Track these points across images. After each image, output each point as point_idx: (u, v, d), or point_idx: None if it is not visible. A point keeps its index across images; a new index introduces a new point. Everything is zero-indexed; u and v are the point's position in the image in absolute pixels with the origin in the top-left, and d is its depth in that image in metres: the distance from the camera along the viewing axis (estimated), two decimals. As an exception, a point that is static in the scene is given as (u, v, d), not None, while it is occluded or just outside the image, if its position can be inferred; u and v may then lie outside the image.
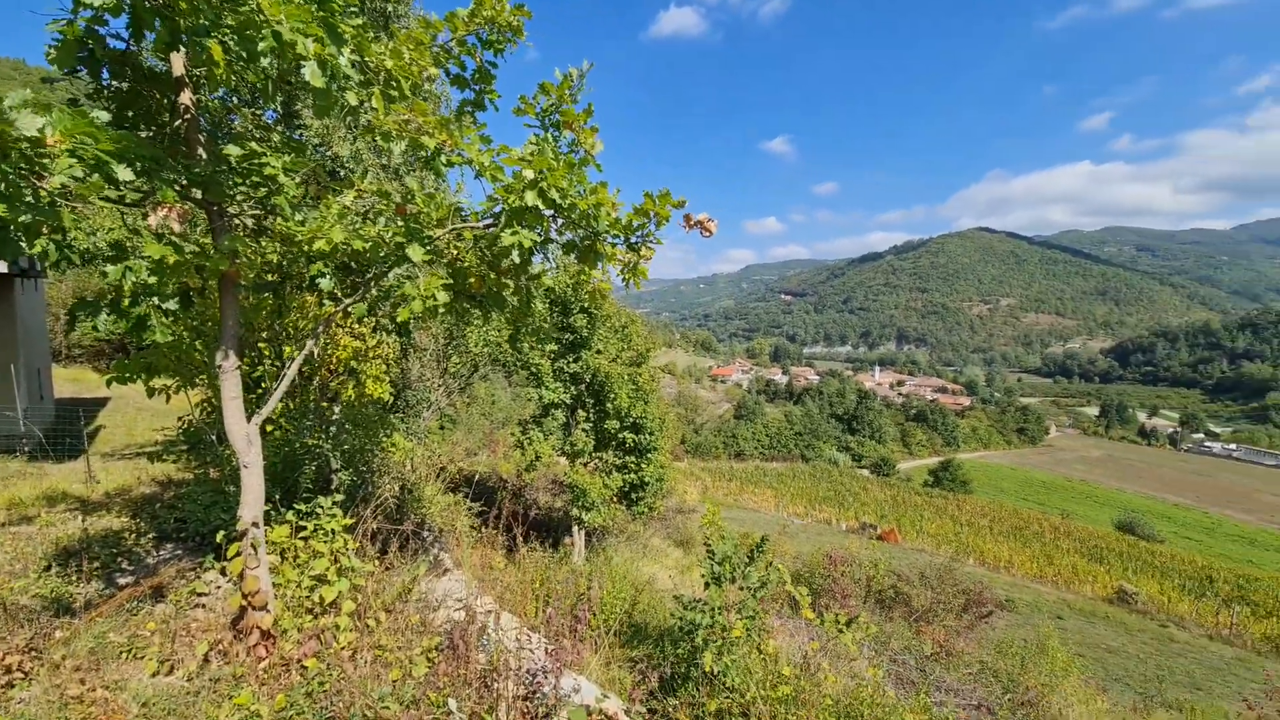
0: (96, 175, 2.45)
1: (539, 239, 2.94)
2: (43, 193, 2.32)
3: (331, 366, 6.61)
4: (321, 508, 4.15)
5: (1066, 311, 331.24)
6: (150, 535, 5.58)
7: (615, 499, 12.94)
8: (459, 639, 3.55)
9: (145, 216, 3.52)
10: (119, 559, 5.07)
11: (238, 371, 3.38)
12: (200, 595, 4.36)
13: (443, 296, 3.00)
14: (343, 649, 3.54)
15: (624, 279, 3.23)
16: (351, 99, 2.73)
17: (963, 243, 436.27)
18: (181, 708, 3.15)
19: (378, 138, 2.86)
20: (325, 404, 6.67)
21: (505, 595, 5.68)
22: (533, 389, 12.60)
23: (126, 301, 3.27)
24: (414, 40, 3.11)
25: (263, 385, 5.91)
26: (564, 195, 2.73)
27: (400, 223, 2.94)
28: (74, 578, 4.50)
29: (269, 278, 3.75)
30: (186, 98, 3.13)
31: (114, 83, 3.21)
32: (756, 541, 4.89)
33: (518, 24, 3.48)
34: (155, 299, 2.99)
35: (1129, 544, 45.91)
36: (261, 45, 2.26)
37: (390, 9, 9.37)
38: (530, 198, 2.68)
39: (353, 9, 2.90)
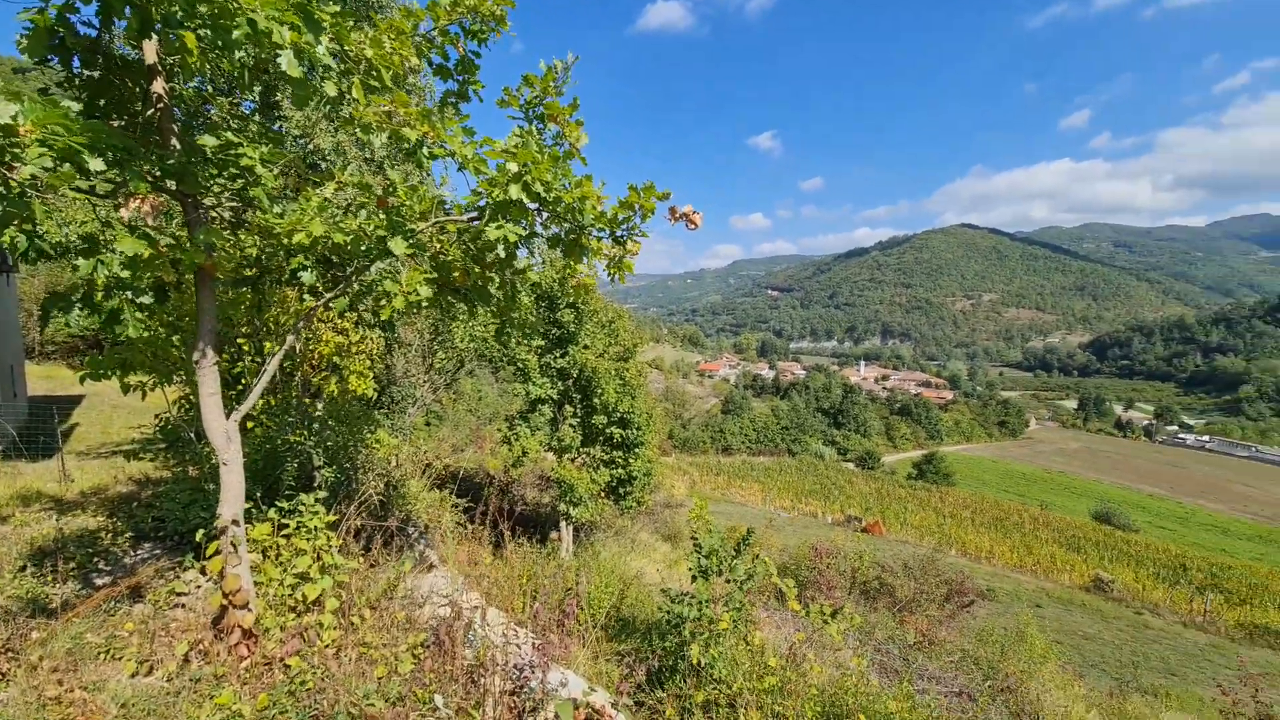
0: (67, 165, 2.39)
1: (524, 233, 2.91)
2: (13, 183, 2.25)
3: (314, 362, 6.51)
4: (304, 505, 4.10)
5: (1046, 306, 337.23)
6: (127, 535, 5.47)
7: (603, 494, 12.95)
8: (445, 635, 3.53)
9: (118, 208, 3.43)
10: (95, 559, 4.98)
11: (215, 367, 3.31)
12: (180, 595, 4.28)
13: (425, 291, 2.96)
14: (326, 647, 3.51)
15: (610, 273, 3.22)
16: (330, 89, 2.67)
17: (946, 238, 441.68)
18: (161, 708, 3.10)
19: (358, 130, 2.81)
20: (308, 400, 6.58)
21: (492, 591, 5.67)
22: (520, 384, 12.54)
23: (99, 295, 3.19)
24: (395, 29, 3.05)
25: (243, 381, 5.81)
26: (548, 189, 2.70)
27: (382, 216, 2.89)
28: (50, 578, 4.40)
29: (247, 272, 3.68)
30: (159, 86, 3.05)
31: (85, 71, 3.12)
32: (743, 535, 4.93)
33: (501, 13, 3.43)
34: (129, 293, 2.92)
35: (1105, 534, 47.02)
36: (236, 34, 2.20)
37: (371, -3, 9.21)
38: (514, 191, 2.64)
39: (331, -4, 2.84)
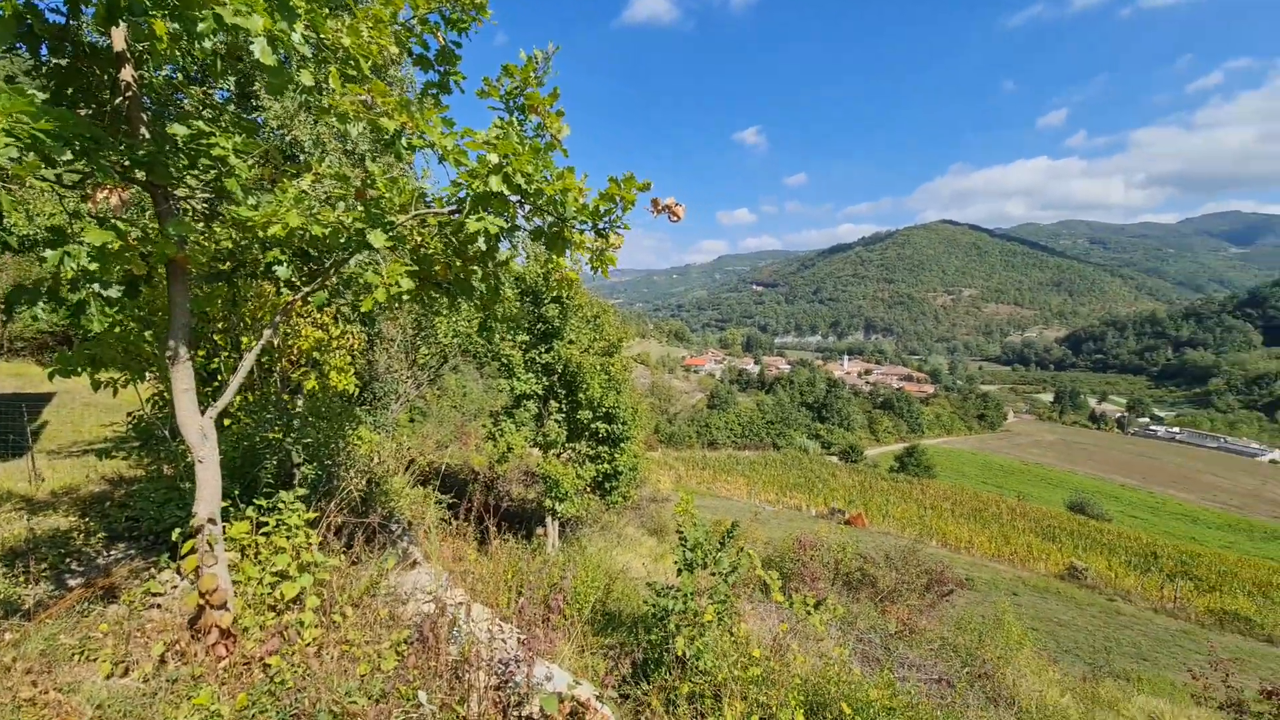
0: (33, 155, 2.33)
1: (505, 225, 2.88)
2: (-23, 174, 2.18)
3: (293, 358, 6.40)
4: (283, 502, 4.04)
5: (1024, 302, 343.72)
6: (100, 535, 5.35)
7: (589, 489, 12.95)
8: (429, 631, 3.51)
9: (85, 199, 3.33)
10: (68, 560, 4.87)
11: (190, 363, 3.24)
12: (155, 595, 4.20)
13: (407, 283, 2.92)
14: (307, 645, 3.47)
15: (592, 266, 3.20)
16: (306, 78, 2.61)
17: (928, 234, 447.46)
18: (138, 709, 3.05)
19: (334, 119, 2.75)
20: (287, 396, 6.47)
21: (477, 587, 5.65)
22: (504, 380, 12.47)
23: (65, 289, 3.10)
24: (373, 17, 2.99)
25: (219, 377, 5.70)
26: (530, 180, 2.67)
27: (360, 208, 2.84)
28: (21, 579, 4.30)
29: (222, 265, 3.60)
30: (128, 74, 2.96)
31: (53, 59, 3.03)
32: (728, 528, 4.96)
33: (481, 1, 3.38)
34: (95, 285, 2.85)
35: (1080, 523, 48.22)
36: (201, 26, 2.14)
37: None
38: (495, 182, 2.61)
39: (307, -18, 2.78)
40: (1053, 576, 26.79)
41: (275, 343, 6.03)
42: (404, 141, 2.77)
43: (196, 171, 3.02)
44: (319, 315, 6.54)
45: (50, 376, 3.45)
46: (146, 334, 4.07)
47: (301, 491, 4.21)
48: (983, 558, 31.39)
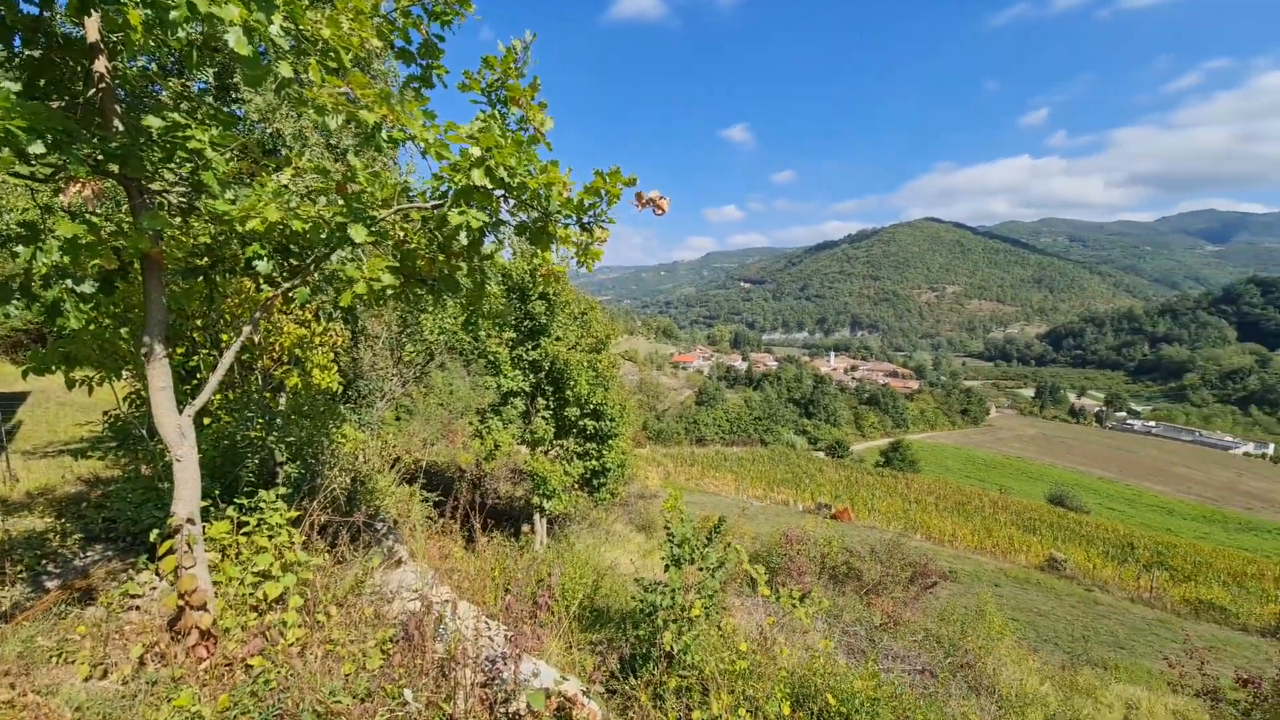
0: (6, 150, 2.28)
1: (489, 219, 2.86)
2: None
3: (274, 355, 6.31)
4: (265, 501, 3.98)
5: (1006, 298, 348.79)
6: (77, 536, 5.25)
7: (577, 486, 12.93)
8: (415, 629, 3.49)
9: (58, 194, 3.25)
10: (44, 561, 4.78)
11: (166, 360, 3.18)
12: (133, 597, 4.13)
13: (388, 279, 2.89)
14: (290, 645, 3.43)
15: (579, 260, 3.19)
16: (285, 70, 2.57)
17: (913, 232, 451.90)
18: (118, 712, 3.01)
19: (311, 111, 2.71)
20: (268, 394, 6.38)
21: (464, 585, 5.62)
22: (491, 377, 12.39)
23: (38, 285, 3.03)
24: (354, 9, 2.95)
25: (199, 375, 5.60)
26: (513, 174, 2.65)
27: (341, 202, 2.80)
28: (-3, 580, 4.21)
29: (199, 261, 3.53)
30: (101, 65, 2.89)
31: (25, 51, 2.96)
32: (715, 524, 4.99)
33: (464, -6, 3.35)
34: (69, 281, 2.78)
35: (1059, 515, 49.17)
36: (174, 14, 2.09)
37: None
38: (477, 176, 2.59)
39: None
40: (1033, 568, 27.26)
41: (256, 340, 5.94)
42: (384, 135, 2.74)
43: (172, 165, 2.96)
44: (300, 312, 6.45)
45: (24, 375, 3.37)
46: (122, 331, 3.99)
47: (284, 490, 4.16)
48: (966, 550, 31.86)
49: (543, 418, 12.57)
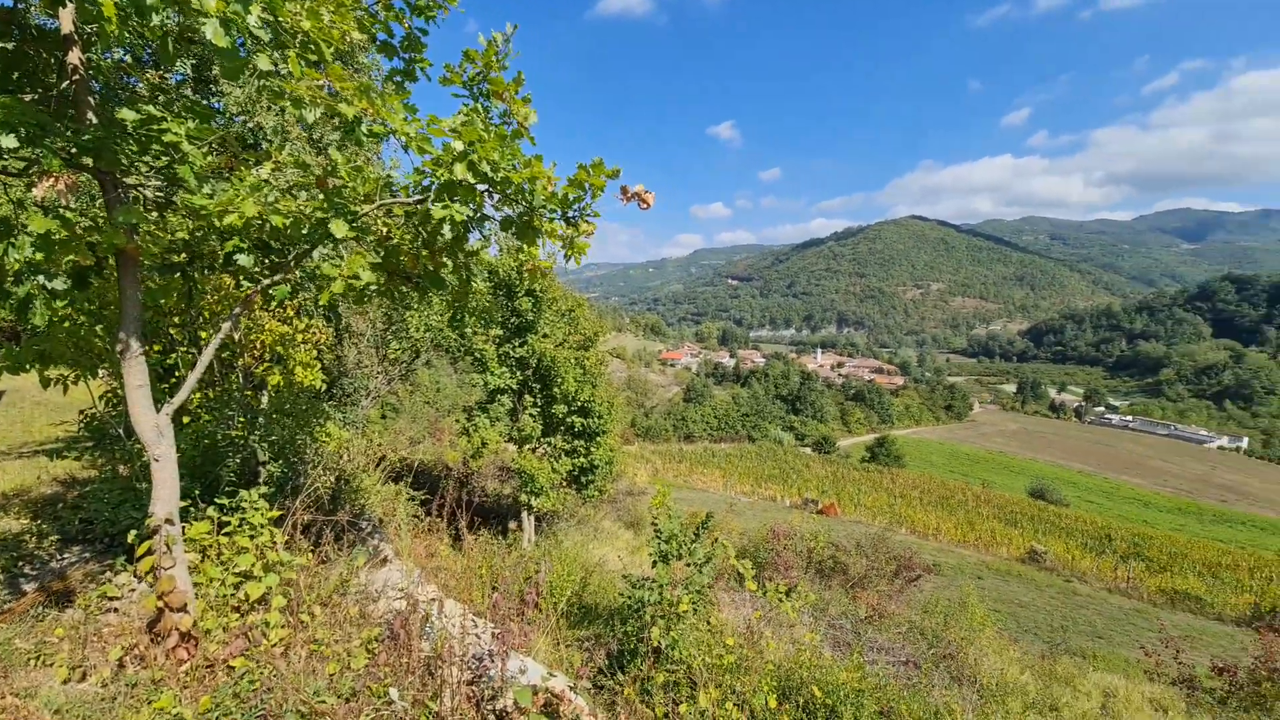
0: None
1: (473, 214, 2.84)
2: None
3: (256, 352, 6.22)
4: (246, 501, 3.93)
5: (989, 296, 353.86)
6: (54, 538, 5.15)
7: (564, 483, 12.90)
8: (400, 628, 3.47)
9: (30, 188, 3.17)
10: (20, 563, 4.69)
11: (142, 358, 3.12)
12: (112, 599, 4.06)
13: (368, 275, 2.85)
14: (274, 646, 3.39)
15: (565, 254, 3.18)
16: (264, 62, 2.52)
17: (898, 230, 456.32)
18: (97, 714, 2.96)
19: (288, 104, 2.66)
20: (250, 393, 6.29)
21: (450, 583, 5.60)
22: (478, 374, 12.31)
23: (9, 281, 2.95)
24: (335, 1, 2.90)
25: (177, 373, 5.50)
26: (496, 168, 2.64)
27: (321, 197, 2.76)
28: (-30, 584, 4.11)
29: (176, 257, 3.46)
30: (75, 57, 2.82)
31: None
32: (702, 520, 5.02)
33: (447, -13, 3.31)
34: (42, 278, 2.72)
35: (1039, 508, 50.08)
36: (150, 0, 2.05)
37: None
38: (460, 170, 2.57)
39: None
40: (1014, 560, 27.75)
41: (236, 337, 5.84)
42: (364, 128, 2.70)
43: (148, 158, 2.90)
44: (282, 309, 6.36)
45: (-5, 373, 3.29)
46: (98, 328, 3.90)
47: (266, 490, 4.11)
48: (949, 543, 32.33)
49: (530, 415, 12.52)
